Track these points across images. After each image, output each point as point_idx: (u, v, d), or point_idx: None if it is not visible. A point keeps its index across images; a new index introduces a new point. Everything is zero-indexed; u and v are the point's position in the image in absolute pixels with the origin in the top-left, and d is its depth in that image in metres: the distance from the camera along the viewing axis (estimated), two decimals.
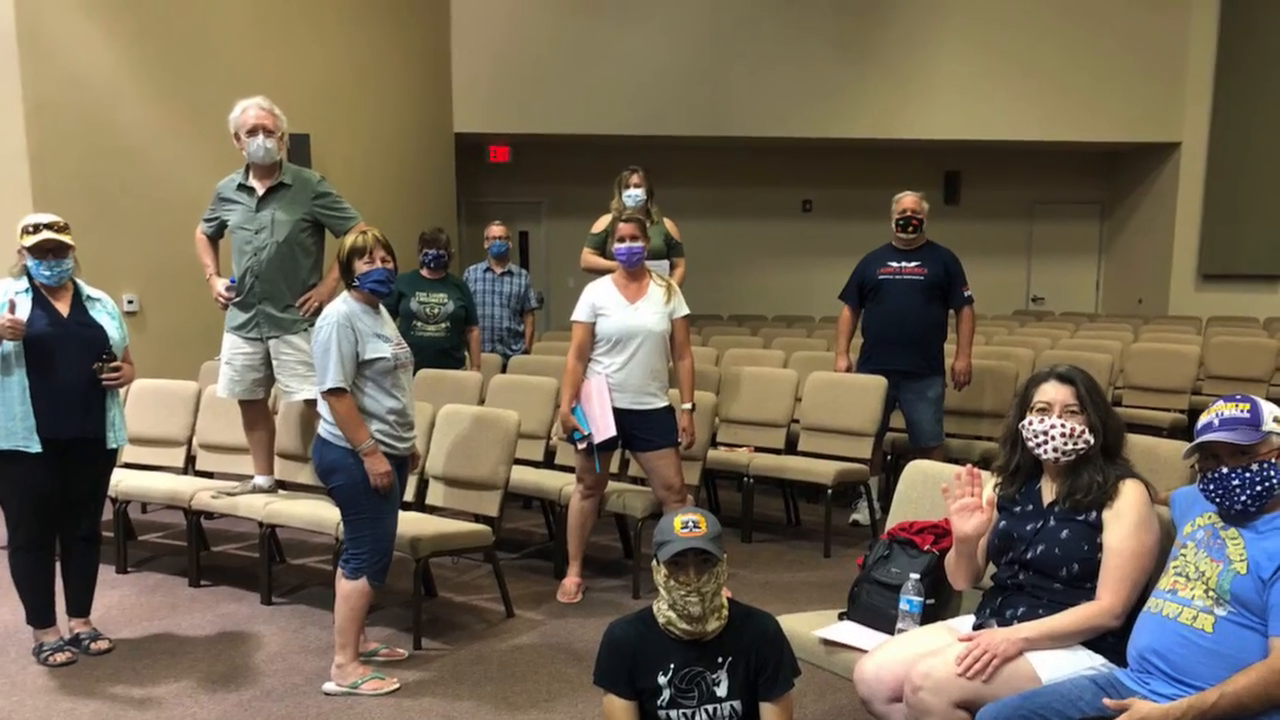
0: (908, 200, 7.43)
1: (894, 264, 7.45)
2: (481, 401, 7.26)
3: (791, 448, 7.72)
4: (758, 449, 7.66)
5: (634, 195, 7.27)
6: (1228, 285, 14.68)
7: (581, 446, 5.93)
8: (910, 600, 3.81)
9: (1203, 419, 3.19)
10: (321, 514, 5.74)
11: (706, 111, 14.75)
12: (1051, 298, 17.32)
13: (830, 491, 7.10)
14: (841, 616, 4.12)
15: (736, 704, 3.27)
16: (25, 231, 5.00)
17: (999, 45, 14.86)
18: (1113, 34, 14.84)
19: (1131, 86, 14.96)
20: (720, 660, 3.27)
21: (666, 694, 3.24)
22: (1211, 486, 3.12)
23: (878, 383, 7.36)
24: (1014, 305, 16.89)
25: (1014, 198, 17.28)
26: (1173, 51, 14.97)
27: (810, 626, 3.99)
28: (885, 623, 3.89)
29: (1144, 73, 14.98)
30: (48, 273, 5.03)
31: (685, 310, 6.10)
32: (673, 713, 3.24)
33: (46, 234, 4.98)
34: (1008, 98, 14.92)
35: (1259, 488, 3.03)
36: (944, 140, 15.41)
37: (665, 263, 7.32)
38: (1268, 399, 3.18)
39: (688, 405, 6.13)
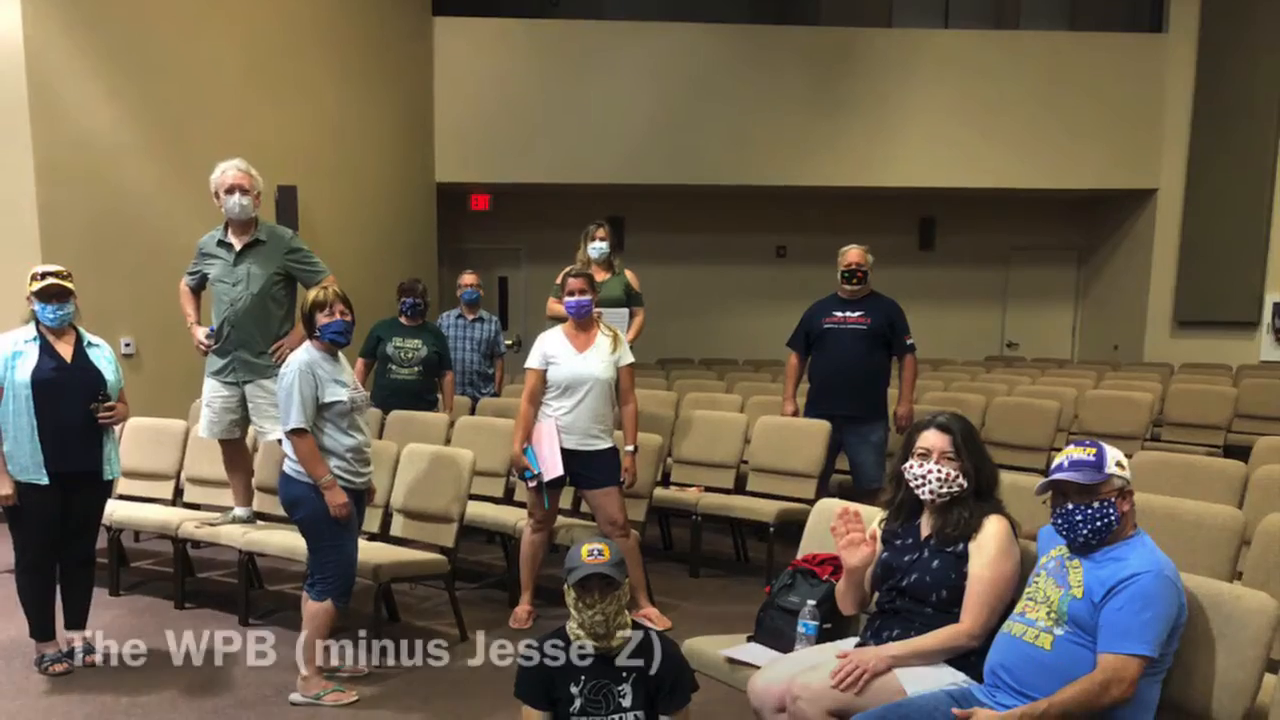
0: (852, 254, 7.67)
1: (839, 313, 7.66)
2: (448, 441, 7.50)
3: (741, 487, 7.94)
4: (708, 488, 7.89)
5: (598, 248, 7.67)
6: (1204, 332, 14.44)
7: (532, 484, 6.28)
8: (807, 624, 4.22)
9: (1055, 460, 3.59)
10: (295, 543, 5.98)
11: (683, 160, 14.85)
12: (1027, 344, 17.09)
13: (773, 529, 7.25)
14: (750, 639, 4.51)
15: (640, 714, 3.68)
16: (33, 279, 5.53)
17: (974, 94, 14.87)
18: (1088, 81, 14.80)
19: (1108, 133, 14.86)
20: (625, 674, 3.68)
21: (577, 703, 3.66)
22: (1059, 520, 3.52)
23: (821, 427, 7.55)
24: (989, 350, 16.68)
25: (990, 244, 17.17)
26: (1149, 98, 14.97)
27: (718, 647, 4.42)
28: (786, 644, 4.28)
29: (1120, 119, 14.96)
30: (51, 315, 5.53)
31: (630, 359, 6.46)
32: None
33: (51, 280, 5.51)
34: (983, 145, 14.89)
35: (1099, 523, 3.43)
36: (919, 187, 15.45)
37: (625, 311, 7.66)
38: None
39: (630, 447, 6.49)
